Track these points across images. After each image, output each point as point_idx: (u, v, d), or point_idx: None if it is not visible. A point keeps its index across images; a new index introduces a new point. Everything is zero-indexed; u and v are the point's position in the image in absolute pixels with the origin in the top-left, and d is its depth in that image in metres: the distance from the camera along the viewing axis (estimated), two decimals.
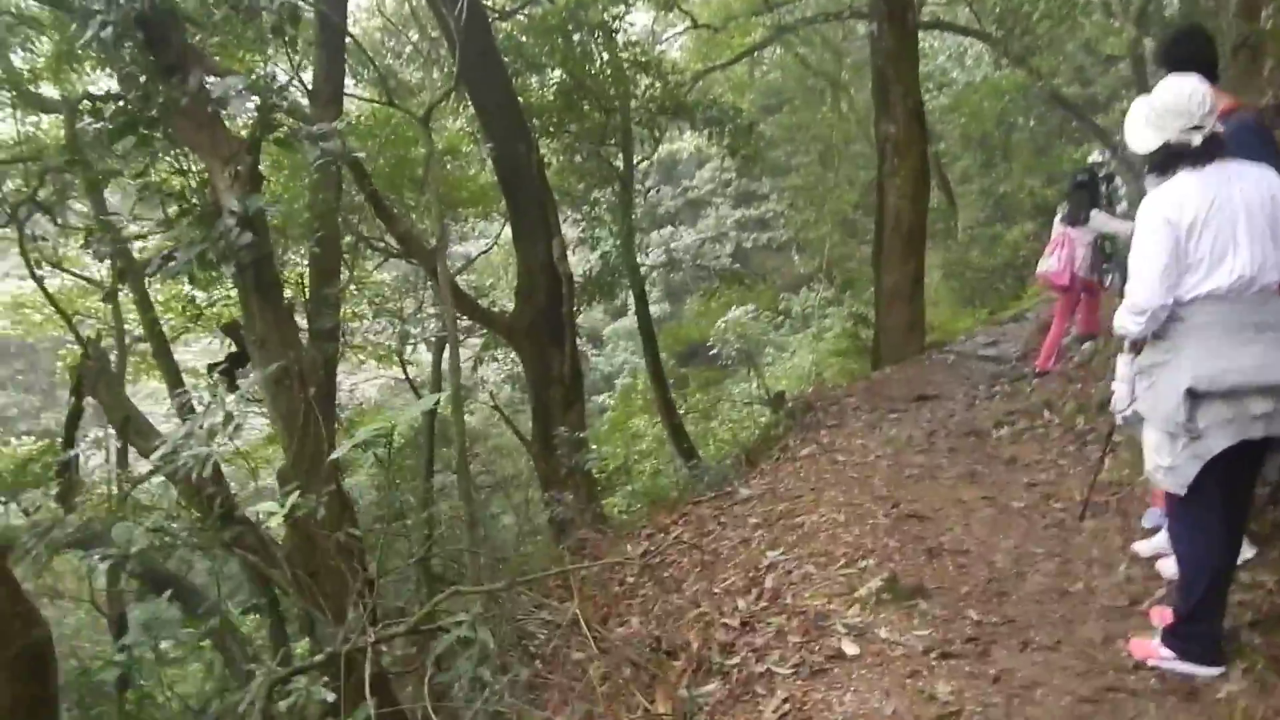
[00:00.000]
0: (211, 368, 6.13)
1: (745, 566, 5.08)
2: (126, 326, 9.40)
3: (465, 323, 11.67)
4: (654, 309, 29.13)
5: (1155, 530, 4.22)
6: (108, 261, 6.95)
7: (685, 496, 7.84)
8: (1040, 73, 18.71)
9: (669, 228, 30.54)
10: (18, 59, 11.48)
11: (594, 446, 19.47)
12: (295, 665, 3.58)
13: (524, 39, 11.31)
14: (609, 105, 12.15)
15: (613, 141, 12.78)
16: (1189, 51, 3.87)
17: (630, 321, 28.92)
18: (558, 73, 12.11)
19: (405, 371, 14.41)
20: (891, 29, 10.34)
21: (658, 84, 12.18)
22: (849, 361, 19.24)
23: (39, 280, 9.60)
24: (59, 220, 9.49)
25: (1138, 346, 3.43)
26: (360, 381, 24.25)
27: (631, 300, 29.06)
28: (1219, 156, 3.21)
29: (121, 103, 4.47)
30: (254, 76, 4.85)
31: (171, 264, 4.56)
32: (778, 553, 5.02)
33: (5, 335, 20.73)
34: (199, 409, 3.84)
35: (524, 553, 8.28)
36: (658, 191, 14.04)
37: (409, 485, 13.54)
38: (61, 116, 9.16)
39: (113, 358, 12.03)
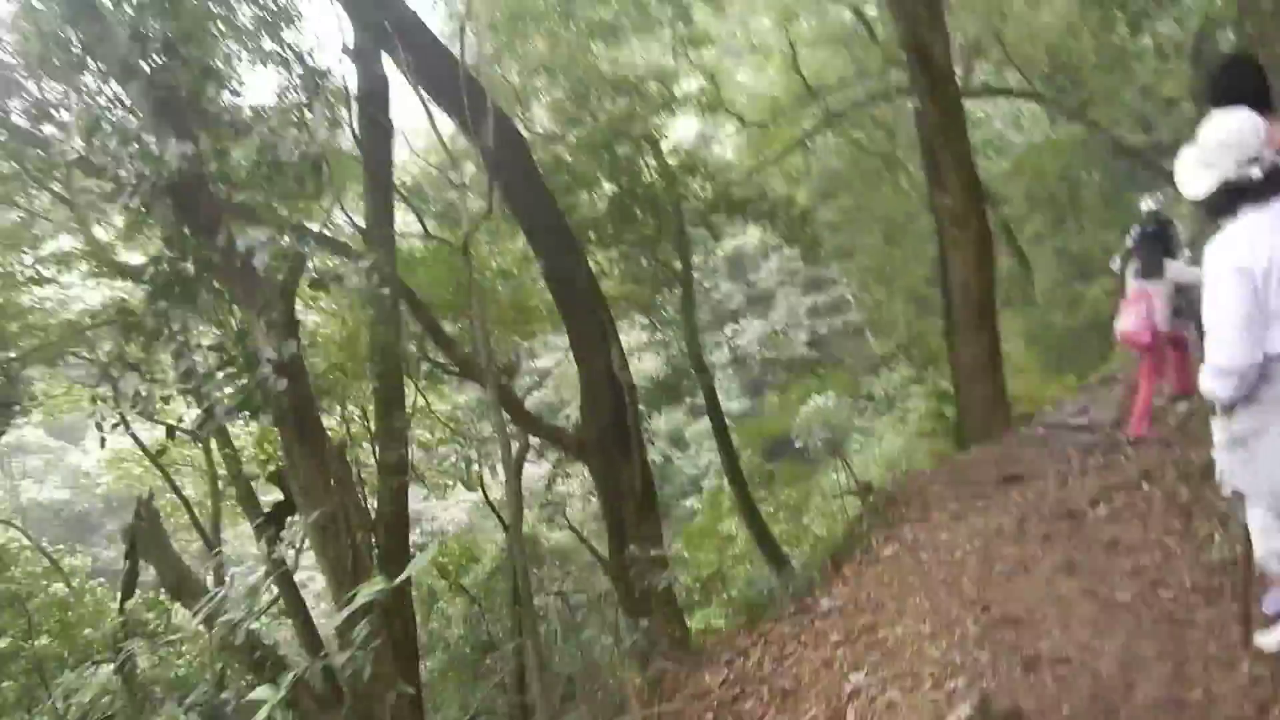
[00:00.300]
0: (259, 519, 6.11)
1: (827, 695, 4.72)
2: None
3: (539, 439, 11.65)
4: (733, 405, 29.01)
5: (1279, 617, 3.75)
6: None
7: (771, 610, 7.46)
8: (1099, 124, 18.31)
9: (736, 323, 30.47)
10: (99, 229, 12.20)
11: (685, 554, 19.07)
12: None
13: (569, 159, 11.53)
14: (661, 211, 12.23)
15: (669, 245, 12.83)
16: (1236, 83, 3.56)
17: (708, 422, 28.66)
18: (608, 185, 12.29)
19: (485, 494, 14.34)
20: (934, 102, 10.18)
21: (707, 185, 12.25)
22: (937, 442, 18.59)
23: (134, 436, 9.97)
24: (148, 376, 9.89)
25: (1231, 411, 3.02)
26: (450, 505, 24.37)
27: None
28: None
29: (165, 264, 4.57)
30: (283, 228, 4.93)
31: (210, 419, 4.57)
32: (861, 675, 4.65)
33: (112, 490, 21.49)
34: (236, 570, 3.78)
35: (594, 689, 7.93)
36: (717, 287, 13.96)
37: (498, 614, 13.33)
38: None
39: (206, 503, 12.27)
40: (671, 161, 12.60)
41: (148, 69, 4.36)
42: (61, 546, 17.18)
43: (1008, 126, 25.48)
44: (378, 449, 8.58)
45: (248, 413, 4.65)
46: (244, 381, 4.51)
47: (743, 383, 29.20)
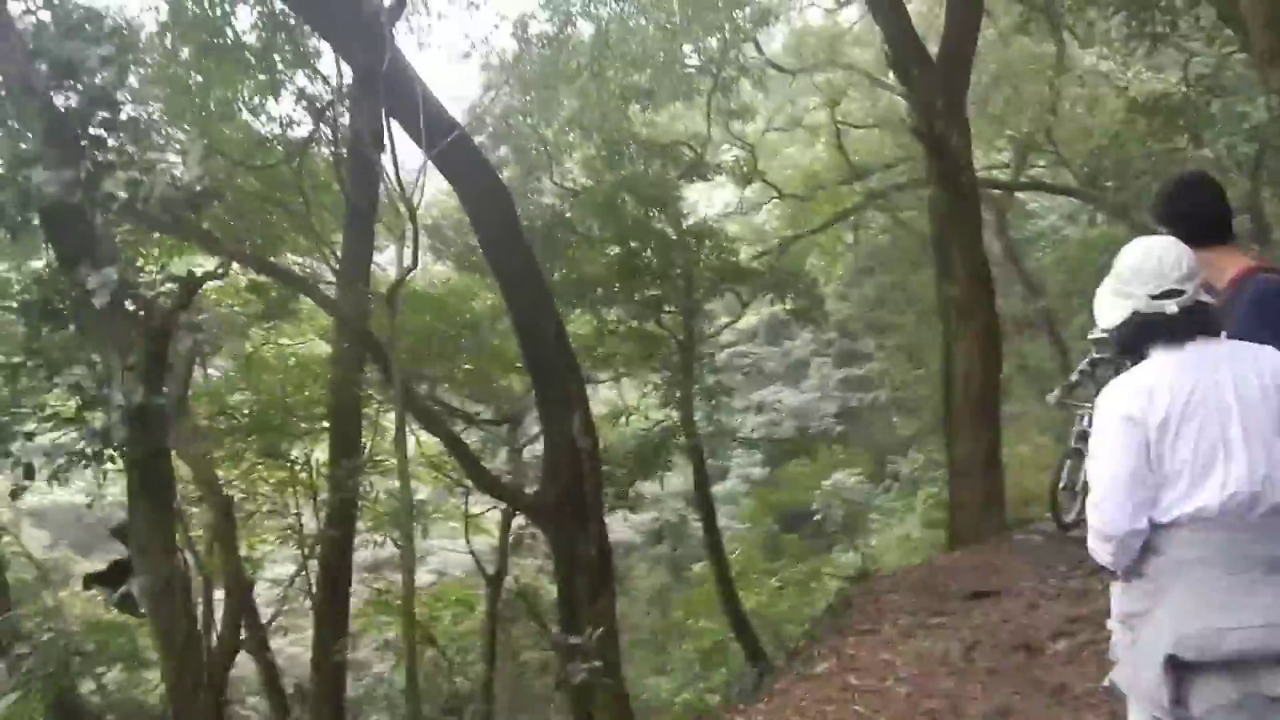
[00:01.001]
0: (90, 579, 5.84)
1: None
2: None
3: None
4: (755, 471, 28.43)
5: None
6: None
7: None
8: (1141, 226, 17.71)
9: (772, 387, 30.04)
10: None
11: (688, 621, 18.45)
12: None
13: (569, 214, 11.39)
14: (667, 274, 11.99)
15: (673, 309, 12.58)
16: (1189, 207, 3.15)
17: (730, 485, 28.11)
18: (619, 244, 12.09)
19: (469, 543, 14.01)
20: (946, 190, 9.89)
21: (715, 254, 11.99)
22: (940, 534, 17.94)
23: None
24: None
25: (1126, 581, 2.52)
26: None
27: (731, 462, 28.59)
28: (1205, 332, 2.45)
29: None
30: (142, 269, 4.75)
31: (59, 462, 4.34)
32: None
33: None
34: None
35: None
36: (715, 357, 13.66)
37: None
38: None
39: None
40: (685, 227, 12.37)
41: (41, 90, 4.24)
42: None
43: (1064, 221, 24.98)
44: (331, 488, 8.34)
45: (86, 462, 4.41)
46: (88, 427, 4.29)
47: (767, 450, 28.63)
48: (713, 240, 12.15)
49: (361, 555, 22.76)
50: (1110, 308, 2.61)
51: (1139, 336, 2.52)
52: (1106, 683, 2.63)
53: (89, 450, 4.31)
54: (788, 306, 12.28)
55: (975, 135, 20.72)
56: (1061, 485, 7.71)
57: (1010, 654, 6.10)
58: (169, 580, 4.56)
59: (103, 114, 4.49)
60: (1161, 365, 2.43)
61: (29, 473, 4.42)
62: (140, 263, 4.81)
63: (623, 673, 15.36)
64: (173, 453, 5.26)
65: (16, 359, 4.53)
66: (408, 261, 6.24)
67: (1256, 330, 2.87)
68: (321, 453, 9.22)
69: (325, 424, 8.72)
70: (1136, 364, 2.54)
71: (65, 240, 4.48)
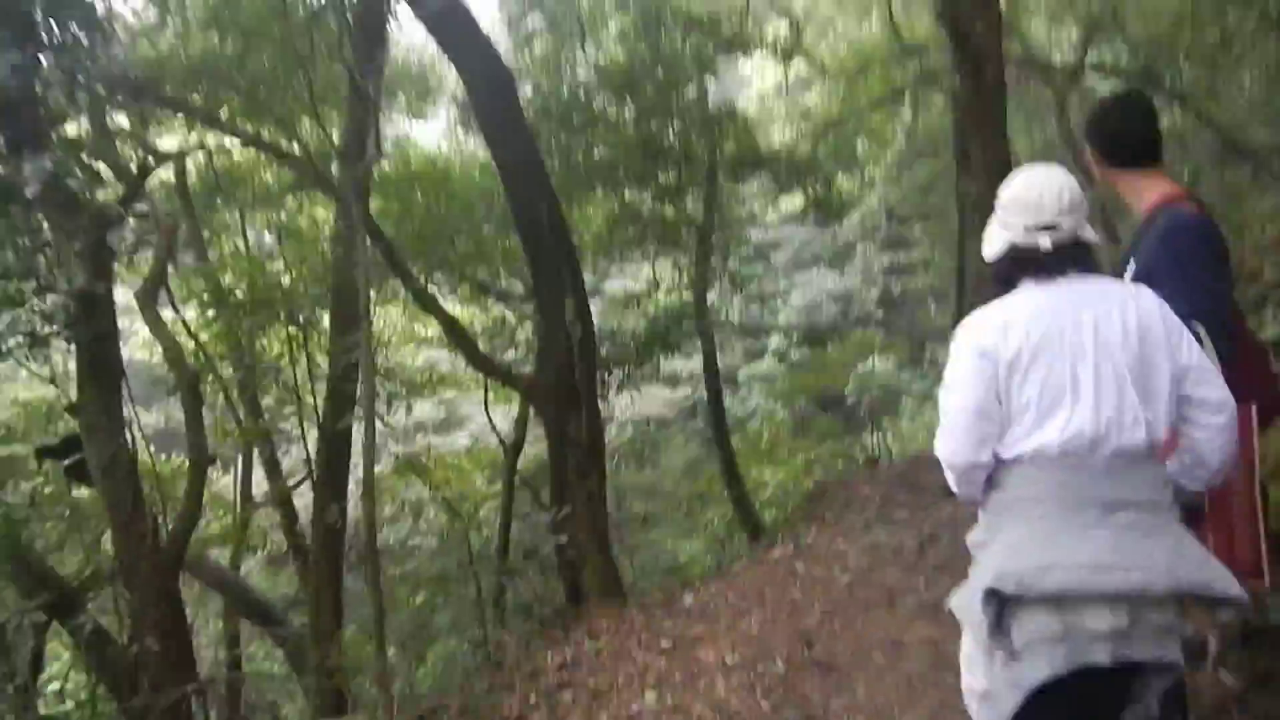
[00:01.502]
0: (40, 451, 6.16)
1: (618, 711, 4.57)
2: None
3: None
4: (792, 353, 28.46)
5: None
6: None
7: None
8: (1208, 117, 16.72)
9: (815, 270, 29.73)
10: None
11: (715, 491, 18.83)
12: None
13: (582, 96, 11.17)
14: (689, 157, 11.81)
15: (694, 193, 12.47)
16: (1115, 125, 3.06)
17: (766, 365, 28.29)
18: (640, 124, 11.86)
19: (488, 413, 14.37)
20: (966, 83, 9.46)
21: (736, 138, 11.75)
22: None
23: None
24: None
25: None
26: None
27: (769, 343, 28.65)
28: (1078, 269, 2.39)
29: None
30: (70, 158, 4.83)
31: (12, 342, 4.59)
32: (650, 700, 4.47)
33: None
34: None
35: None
36: (742, 243, 13.43)
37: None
38: None
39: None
40: (711, 108, 12.08)
41: None
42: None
43: None
44: (330, 361, 8.62)
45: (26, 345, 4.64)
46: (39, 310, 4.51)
47: (806, 332, 28.59)
48: (735, 123, 11.86)
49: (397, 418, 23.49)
50: (992, 238, 2.55)
51: (1012, 269, 2.46)
52: (947, 608, 2.72)
53: (39, 332, 4.56)
54: (809, 196, 12.02)
55: (1040, 13, 19.60)
56: None
57: (963, 550, 6.26)
58: (114, 456, 4.87)
59: None
60: (1025, 301, 2.38)
61: None
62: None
63: (635, 539, 15.95)
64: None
65: None
66: (370, 149, 6.27)
67: (1162, 262, 2.84)
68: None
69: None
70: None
71: (11, 126, 4.61)
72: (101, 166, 5.72)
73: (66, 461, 5.59)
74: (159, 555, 5.26)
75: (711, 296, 12.53)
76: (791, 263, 30.25)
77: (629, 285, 14.43)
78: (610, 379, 11.30)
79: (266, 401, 11.28)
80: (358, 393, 8.64)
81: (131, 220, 5.12)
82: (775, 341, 28.75)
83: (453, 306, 16.01)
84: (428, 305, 8.59)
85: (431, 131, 20.76)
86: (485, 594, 9.67)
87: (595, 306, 18.42)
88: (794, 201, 15.33)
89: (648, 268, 13.58)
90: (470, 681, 6.81)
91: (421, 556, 12.80)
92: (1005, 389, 2.32)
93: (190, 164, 11.61)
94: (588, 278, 17.92)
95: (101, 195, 4.81)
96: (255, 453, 12.43)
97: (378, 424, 9.54)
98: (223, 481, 15.85)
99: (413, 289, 8.47)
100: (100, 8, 4.94)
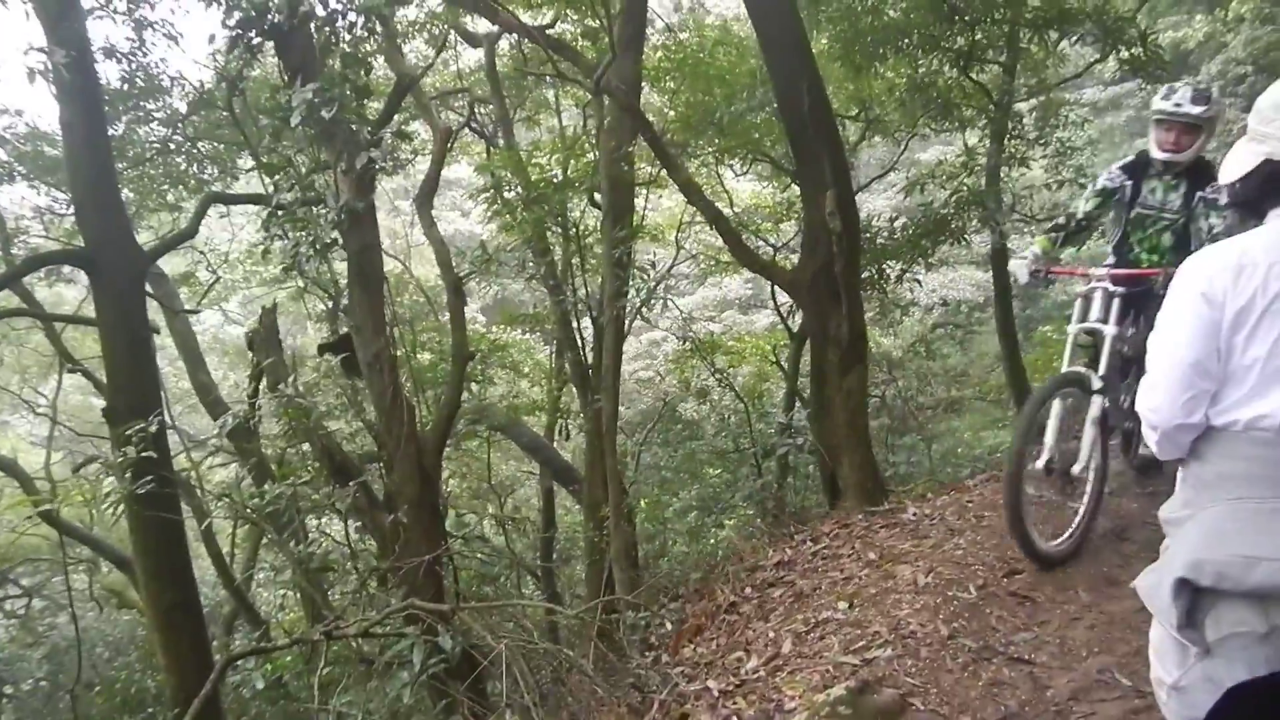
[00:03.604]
0: (322, 348, 6.83)
1: (813, 614, 4.60)
2: None
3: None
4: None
5: None
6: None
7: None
8: None
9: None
10: None
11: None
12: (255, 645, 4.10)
13: None
14: (985, 18, 10.69)
15: (992, 58, 11.34)
16: None
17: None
18: None
19: (774, 298, 14.33)
20: None
21: None
22: None
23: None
24: None
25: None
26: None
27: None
28: None
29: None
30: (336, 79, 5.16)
31: (286, 247, 5.17)
32: (842, 609, 4.45)
33: None
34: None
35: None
36: (1059, 114, 11.84)
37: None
38: None
39: None
40: None
41: None
42: None
43: None
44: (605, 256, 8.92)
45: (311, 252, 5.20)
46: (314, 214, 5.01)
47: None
48: None
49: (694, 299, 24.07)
50: (1240, 155, 2.14)
51: (1264, 193, 2.07)
52: (1133, 585, 2.45)
53: (318, 244, 5.14)
54: (1121, 56, 10.43)
55: None
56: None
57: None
58: (378, 354, 5.47)
59: None
60: (1269, 239, 2.02)
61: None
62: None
63: (939, 426, 15.41)
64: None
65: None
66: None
67: None
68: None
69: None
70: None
71: (288, 55, 5.13)
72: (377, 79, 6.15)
73: (340, 356, 6.42)
74: (417, 439, 5.93)
75: (1014, 174, 11.41)
76: (1124, 129, 26.90)
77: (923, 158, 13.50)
78: (889, 270, 10.82)
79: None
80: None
81: (388, 138, 5.56)
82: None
83: (749, 185, 16.11)
84: (693, 197, 8.60)
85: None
86: (762, 476, 9.90)
87: (892, 183, 17.60)
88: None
89: (952, 141, 12.62)
90: (714, 558, 7.14)
91: (705, 434, 13.25)
92: (1228, 343, 1.99)
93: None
94: (881, 153, 17.09)
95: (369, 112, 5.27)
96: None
97: (658, 306, 9.94)
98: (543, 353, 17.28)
99: (679, 180, 8.50)
100: None
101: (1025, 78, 11.89)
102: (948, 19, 10.68)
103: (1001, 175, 11.07)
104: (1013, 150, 11.40)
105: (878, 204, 20.59)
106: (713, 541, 8.59)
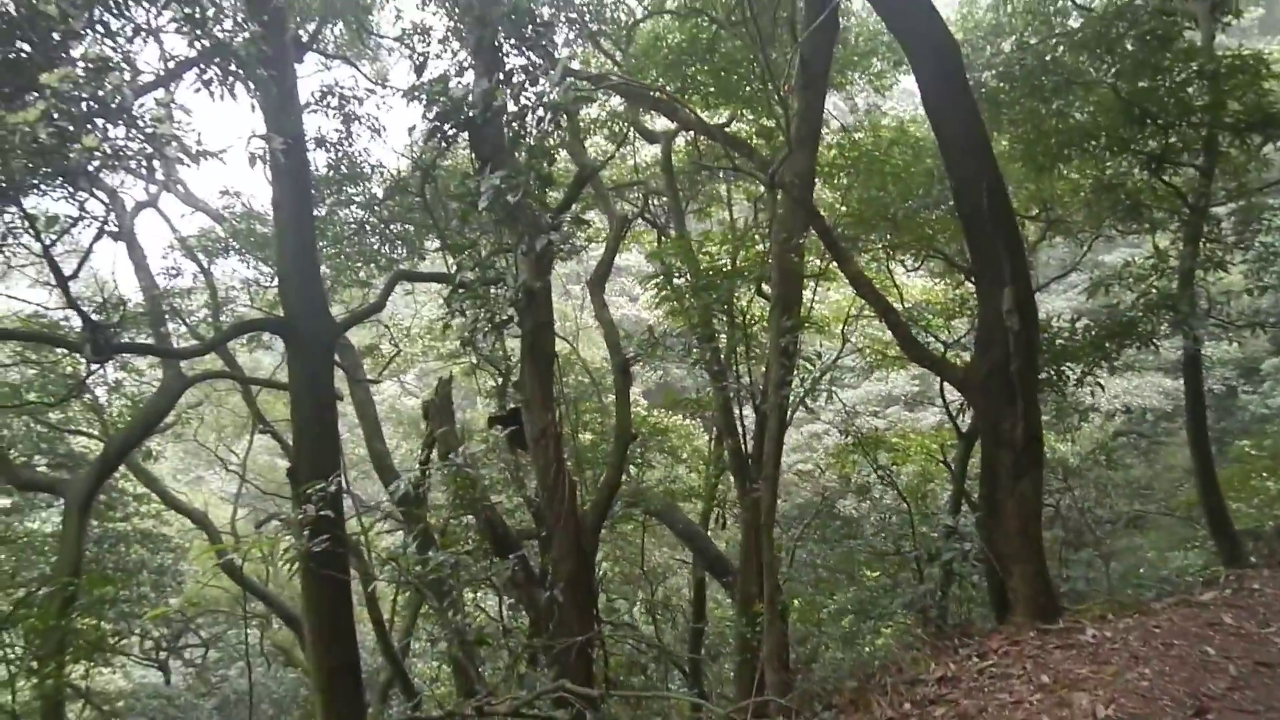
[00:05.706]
0: (493, 420, 6.96)
1: None
2: None
3: None
4: None
5: None
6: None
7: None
8: None
9: None
10: None
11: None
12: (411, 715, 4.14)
13: (1049, 57, 10.15)
14: (1180, 121, 10.29)
15: (1187, 161, 10.83)
16: None
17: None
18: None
19: (944, 396, 13.86)
20: None
21: (1244, 94, 9.89)
22: None
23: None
24: None
25: None
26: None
27: None
28: None
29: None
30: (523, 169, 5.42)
31: (465, 323, 5.39)
32: None
33: None
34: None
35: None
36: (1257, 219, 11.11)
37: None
38: None
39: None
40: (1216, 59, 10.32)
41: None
42: None
43: None
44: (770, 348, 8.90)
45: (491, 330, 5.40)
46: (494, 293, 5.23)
47: None
48: (1247, 75, 9.97)
49: (858, 393, 23.51)
50: None
51: None
52: None
53: (498, 319, 5.37)
54: None
55: None
56: None
57: None
58: (545, 429, 5.58)
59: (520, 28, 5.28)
60: None
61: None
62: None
63: (1119, 542, 14.32)
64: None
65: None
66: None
67: None
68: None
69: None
70: None
71: (480, 146, 5.46)
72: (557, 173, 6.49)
73: (508, 429, 6.61)
74: (577, 517, 6.00)
75: (1210, 278, 10.75)
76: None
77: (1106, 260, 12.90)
78: (1069, 372, 10.31)
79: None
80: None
81: (566, 223, 5.79)
82: None
83: (920, 280, 15.80)
84: (863, 290, 8.51)
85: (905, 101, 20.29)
86: (924, 582, 9.45)
87: (1073, 284, 16.84)
88: None
89: (1139, 243, 12.04)
90: (870, 667, 6.80)
91: (864, 534, 12.82)
92: None
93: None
94: (1062, 253, 16.44)
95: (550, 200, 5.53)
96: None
97: (822, 398, 9.77)
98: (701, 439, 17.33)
99: (850, 272, 8.44)
100: (560, 37, 5.68)
101: (1224, 180, 11.21)
102: (1139, 121, 10.33)
103: (1196, 279, 10.45)
104: (1208, 254, 10.75)
105: (1057, 304, 19.77)
106: (869, 649, 8.20)
